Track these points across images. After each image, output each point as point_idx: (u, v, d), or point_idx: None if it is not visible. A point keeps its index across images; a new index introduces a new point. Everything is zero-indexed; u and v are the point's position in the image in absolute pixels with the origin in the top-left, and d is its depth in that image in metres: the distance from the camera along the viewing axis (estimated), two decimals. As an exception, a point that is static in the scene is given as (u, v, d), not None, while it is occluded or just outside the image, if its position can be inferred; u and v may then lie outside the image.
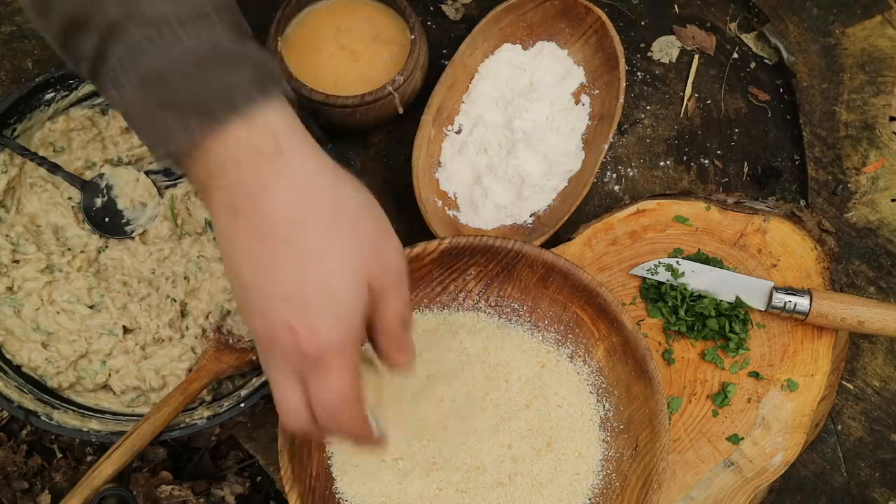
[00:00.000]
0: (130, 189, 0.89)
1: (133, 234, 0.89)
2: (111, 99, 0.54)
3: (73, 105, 0.90)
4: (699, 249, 0.88)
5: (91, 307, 0.87)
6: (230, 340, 0.84)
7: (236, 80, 0.52)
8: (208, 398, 0.86)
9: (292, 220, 0.52)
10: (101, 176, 0.89)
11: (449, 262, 0.81)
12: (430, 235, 0.86)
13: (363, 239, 0.55)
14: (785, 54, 0.99)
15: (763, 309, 0.86)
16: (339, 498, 0.78)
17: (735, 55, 1.01)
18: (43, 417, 0.81)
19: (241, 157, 0.52)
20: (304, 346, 0.52)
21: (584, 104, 0.95)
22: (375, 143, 0.98)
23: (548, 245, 0.88)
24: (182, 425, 0.82)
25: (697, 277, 0.86)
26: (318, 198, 0.53)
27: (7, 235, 0.87)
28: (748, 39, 1.02)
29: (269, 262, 0.52)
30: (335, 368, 0.53)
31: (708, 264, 0.87)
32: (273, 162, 0.52)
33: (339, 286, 0.53)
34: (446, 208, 0.92)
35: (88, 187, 0.89)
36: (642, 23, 1.02)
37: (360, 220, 0.55)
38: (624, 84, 0.91)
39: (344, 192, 0.55)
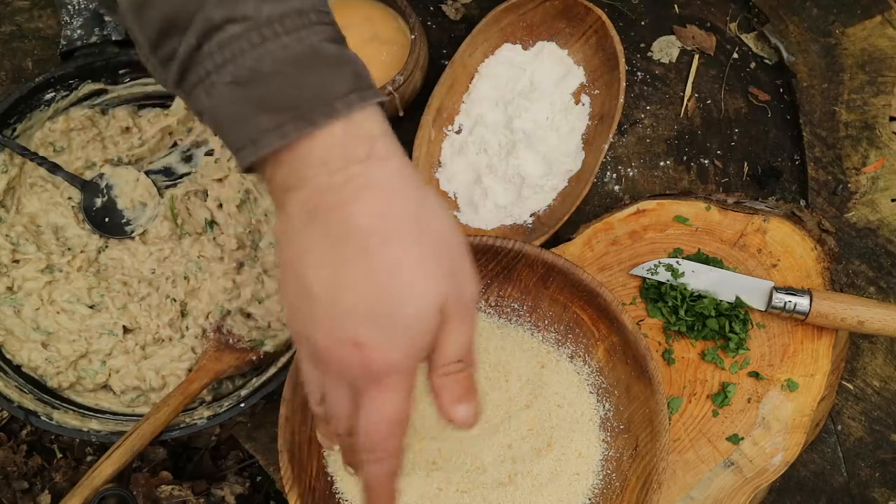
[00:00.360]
0: (130, 189, 0.89)
1: (133, 234, 0.89)
2: (197, 102, 0.52)
3: (73, 105, 0.90)
4: (699, 249, 0.88)
5: (91, 307, 0.87)
6: (230, 340, 0.84)
7: (336, 83, 0.50)
8: (208, 398, 0.86)
9: (376, 231, 0.50)
10: (101, 176, 0.89)
11: (449, 262, 0.81)
12: (430, 235, 0.86)
13: (444, 262, 0.52)
14: (785, 54, 0.99)
15: (763, 309, 0.86)
16: (339, 498, 0.78)
17: (735, 55, 1.01)
18: (43, 417, 0.82)
19: (332, 157, 0.50)
20: (368, 362, 0.50)
21: (584, 104, 0.95)
22: (375, 143, 0.98)
23: (548, 245, 0.88)
24: (182, 425, 0.82)
25: (697, 277, 0.86)
26: (406, 211, 0.51)
27: (7, 235, 0.87)
28: (748, 39, 1.02)
29: (343, 270, 0.50)
30: (393, 390, 0.51)
31: (708, 264, 0.87)
32: (366, 165, 0.50)
33: (415, 307, 0.50)
34: (446, 208, 0.92)
35: (88, 187, 0.89)
36: (642, 23, 1.02)
37: (443, 241, 0.53)
38: (624, 84, 0.91)
39: (431, 209, 0.53)
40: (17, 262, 0.87)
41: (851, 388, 0.91)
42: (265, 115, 0.50)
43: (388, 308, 0.50)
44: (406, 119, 0.94)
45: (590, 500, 0.79)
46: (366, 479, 0.55)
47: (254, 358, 0.84)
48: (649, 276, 0.87)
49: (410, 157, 0.90)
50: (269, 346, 0.85)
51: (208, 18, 0.49)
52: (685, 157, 0.98)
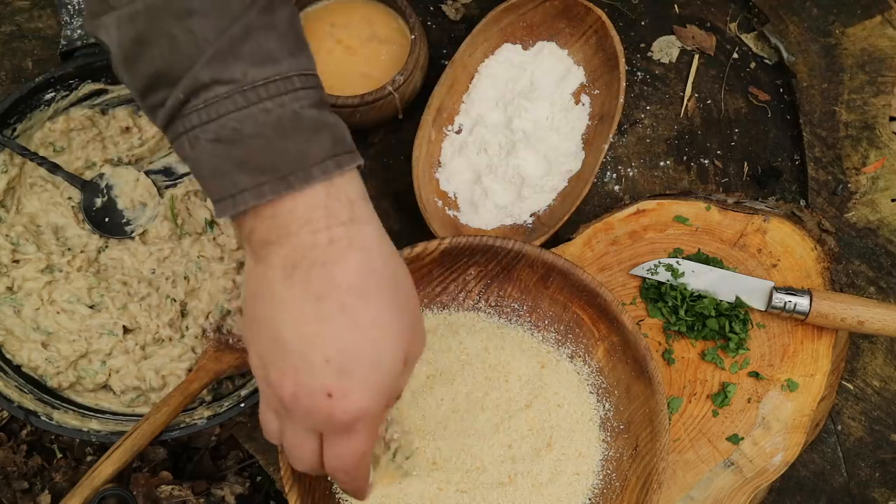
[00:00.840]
0: (130, 189, 0.89)
1: (133, 234, 0.89)
2: (181, 149, 0.55)
3: (73, 105, 0.90)
4: (699, 249, 0.88)
5: (91, 307, 0.87)
6: (230, 340, 0.84)
7: (314, 149, 0.53)
8: (208, 398, 0.86)
9: (356, 289, 0.53)
10: (101, 176, 0.89)
11: (449, 262, 0.81)
12: (430, 235, 0.86)
13: (410, 316, 0.56)
14: (785, 54, 0.99)
15: (763, 309, 0.86)
16: (339, 498, 0.78)
17: (735, 55, 1.01)
18: (43, 417, 0.81)
19: (315, 218, 0.53)
20: (336, 412, 0.53)
21: (584, 104, 0.95)
22: (375, 143, 0.98)
23: (548, 245, 0.88)
24: (182, 425, 0.82)
25: (697, 277, 0.86)
26: (382, 271, 0.54)
27: (7, 235, 0.87)
28: (748, 39, 1.02)
29: (320, 324, 0.52)
30: (360, 434, 0.55)
31: (708, 264, 0.87)
32: (348, 228, 0.53)
33: (387, 360, 0.54)
34: (446, 208, 0.92)
35: (88, 187, 0.89)
36: (642, 23, 1.02)
37: (409, 297, 0.57)
38: (624, 84, 0.91)
39: (401, 268, 0.57)
40: (17, 262, 0.87)
41: (851, 388, 0.91)
42: (245, 175, 0.52)
43: (361, 360, 0.53)
44: (406, 119, 0.94)
45: (590, 500, 0.79)
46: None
47: (254, 358, 0.84)
48: (649, 276, 0.87)
49: (410, 157, 0.91)
50: (269, 346, 0.85)
51: (196, 78, 0.52)
52: (685, 157, 0.98)
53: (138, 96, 0.56)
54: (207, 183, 0.55)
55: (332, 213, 0.53)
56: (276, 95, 0.52)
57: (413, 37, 0.90)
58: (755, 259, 0.88)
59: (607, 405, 0.81)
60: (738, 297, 0.86)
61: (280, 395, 0.55)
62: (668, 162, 0.98)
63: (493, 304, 0.83)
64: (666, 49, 1.01)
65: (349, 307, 0.53)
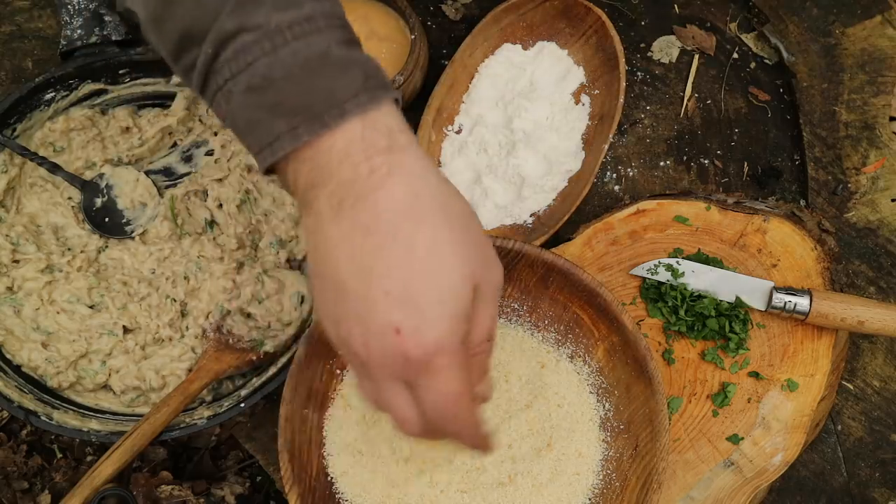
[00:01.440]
0: (130, 189, 0.89)
1: (133, 234, 0.89)
2: (219, 109, 0.55)
3: (73, 105, 0.90)
4: (699, 249, 0.88)
5: (91, 307, 0.87)
6: (230, 340, 0.84)
7: (345, 84, 0.52)
8: (208, 398, 0.86)
9: (405, 214, 0.50)
10: (101, 176, 0.89)
11: (449, 262, 0.81)
12: (430, 235, 0.86)
13: (473, 241, 0.53)
14: (785, 54, 0.99)
15: (763, 309, 0.86)
16: (339, 498, 0.78)
17: (735, 55, 1.01)
18: (43, 417, 0.82)
19: (354, 151, 0.51)
20: (408, 348, 0.50)
21: (584, 104, 0.95)
22: (375, 143, 0.98)
23: (548, 245, 0.88)
24: (182, 425, 0.82)
25: (697, 277, 0.86)
26: (432, 195, 0.52)
27: (7, 235, 0.87)
28: (748, 39, 1.02)
29: (376, 257, 0.50)
30: (444, 370, 0.51)
31: (708, 264, 0.87)
32: (388, 155, 0.51)
33: (451, 284, 0.51)
34: (446, 208, 0.92)
35: (88, 187, 0.89)
36: (642, 23, 1.02)
37: (469, 222, 0.54)
38: (624, 84, 0.91)
39: (452, 192, 0.54)
40: (17, 262, 0.87)
41: (851, 388, 0.91)
42: (279, 119, 0.52)
43: (424, 289, 0.50)
44: (406, 119, 0.94)
45: (590, 500, 0.79)
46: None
47: (254, 358, 0.84)
48: (649, 276, 0.87)
49: (410, 157, 0.91)
50: (269, 346, 0.85)
51: (222, 29, 0.51)
52: (685, 157, 0.98)
53: (171, 60, 0.56)
54: (246, 137, 0.54)
55: (371, 144, 0.51)
56: (302, 36, 0.52)
57: (413, 37, 0.90)
58: (755, 259, 0.88)
59: (607, 405, 0.81)
60: (738, 297, 0.86)
61: (355, 350, 0.52)
62: (668, 162, 0.98)
63: (493, 304, 0.83)
64: (666, 49, 1.01)
65: (401, 234, 0.50)
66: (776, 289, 0.84)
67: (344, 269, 0.51)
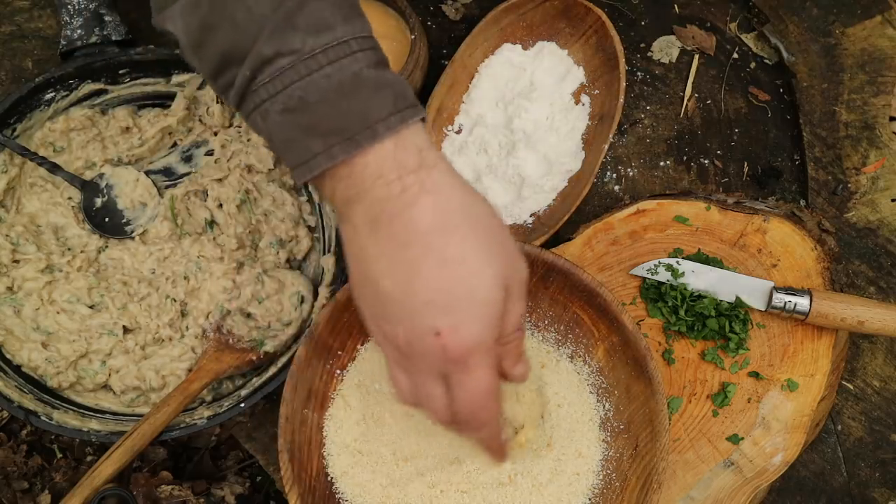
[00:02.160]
0: (130, 189, 0.89)
1: (133, 234, 0.89)
2: (255, 124, 0.58)
3: (73, 105, 0.90)
4: (699, 249, 0.88)
5: (91, 307, 0.87)
6: (230, 340, 0.84)
7: (377, 107, 0.55)
8: (208, 398, 0.86)
9: (436, 229, 0.55)
10: (101, 176, 0.89)
11: (449, 262, 0.81)
12: (430, 235, 0.86)
13: (499, 245, 0.58)
14: (785, 54, 0.99)
15: (763, 309, 0.86)
16: (339, 498, 0.78)
17: (735, 55, 1.01)
18: (43, 417, 0.82)
19: (386, 170, 0.55)
20: (449, 347, 0.55)
21: (584, 104, 0.95)
22: (375, 143, 0.98)
23: (548, 245, 0.88)
24: (182, 425, 0.82)
25: (697, 277, 0.86)
26: (459, 208, 0.56)
27: (7, 235, 0.87)
28: (748, 39, 1.02)
29: (414, 269, 0.55)
30: (478, 367, 0.57)
31: (708, 264, 0.87)
32: (417, 174, 0.55)
33: (483, 289, 0.56)
34: (446, 208, 0.92)
35: (88, 187, 0.89)
36: (642, 23, 1.02)
37: (493, 228, 0.58)
38: (624, 84, 0.91)
39: (477, 201, 0.58)
40: (17, 262, 0.87)
41: (851, 388, 0.91)
42: (315, 140, 0.55)
43: (459, 295, 0.55)
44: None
45: (590, 500, 0.79)
46: (475, 439, 0.64)
47: (254, 358, 0.84)
48: (649, 276, 0.87)
49: (410, 157, 0.90)
50: (269, 346, 0.85)
51: (260, 53, 0.55)
52: (685, 157, 0.98)
53: (210, 79, 0.59)
54: (282, 152, 0.58)
55: (402, 164, 0.55)
56: (335, 60, 0.55)
57: (413, 36, 0.90)
58: (755, 259, 0.88)
59: (607, 405, 0.81)
60: (738, 297, 0.86)
61: (396, 345, 0.57)
62: (668, 162, 0.98)
63: (493, 304, 0.83)
64: (666, 49, 1.01)
65: (434, 247, 0.55)
66: (776, 289, 0.84)
67: (385, 281, 0.56)
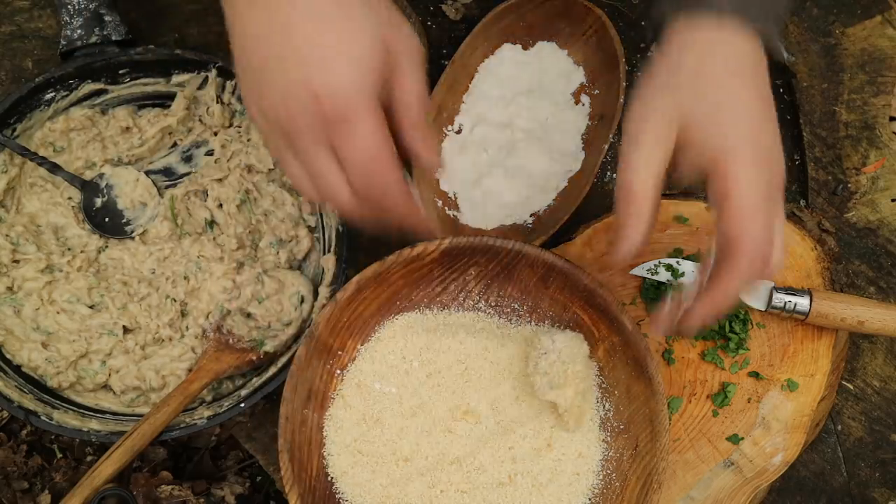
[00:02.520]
0: (130, 189, 0.89)
1: (133, 234, 0.89)
2: None
3: (73, 105, 0.90)
4: (699, 249, 0.88)
5: (91, 307, 0.87)
6: (230, 340, 0.84)
7: None
8: (208, 398, 0.86)
9: None
10: (101, 176, 0.89)
11: (449, 262, 0.81)
12: (430, 235, 0.86)
13: (375, 8, 0.57)
14: (785, 54, 0.99)
15: (763, 309, 0.86)
16: (339, 498, 0.78)
17: (735, 55, 1.01)
18: (43, 417, 0.82)
19: None
20: (326, 105, 0.54)
21: (584, 104, 0.95)
22: (375, 143, 0.98)
23: (548, 245, 0.88)
24: (182, 425, 0.82)
25: (697, 277, 0.86)
26: None
27: (7, 235, 0.87)
28: (748, 39, 1.02)
29: (285, 30, 0.54)
30: (359, 123, 0.55)
31: (708, 264, 0.87)
32: None
33: (355, 41, 0.55)
34: (446, 208, 0.92)
35: (88, 187, 0.89)
36: (642, 23, 1.02)
37: None
38: (624, 84, 0.91)
39: None
40: (17, 262, 0.87)
41: (851, 388, 0.91)
42: None
43: (331, 50, 0.54)
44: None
45: (590, 500, 0.79)
46: (388, 218, 0.60)
47: (254, 358, 0.84)
48: (649, 276, 0.87)
49: (410, 157, 0.91)
50: (269, 346, 0.85)
51: None
52: (685, 157, 0.98)
53: None
54: None
55: None
56: None
57: (413, 37, 0.90)
58: (755, 259, 0.88)
59: (607, 405, 0.81)
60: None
61: (276, 118, 0.56)
62: (668, 162, 0.98)
63: (493, 304, 0.83)
64: (666, 49, 1.01)
65: (305, 4, 0.54)
66: (776, 289, 0.84)
67: (261, 50, 0.56)
